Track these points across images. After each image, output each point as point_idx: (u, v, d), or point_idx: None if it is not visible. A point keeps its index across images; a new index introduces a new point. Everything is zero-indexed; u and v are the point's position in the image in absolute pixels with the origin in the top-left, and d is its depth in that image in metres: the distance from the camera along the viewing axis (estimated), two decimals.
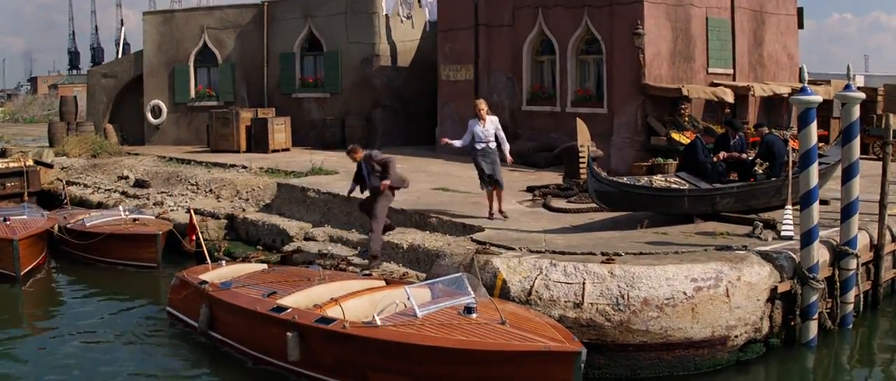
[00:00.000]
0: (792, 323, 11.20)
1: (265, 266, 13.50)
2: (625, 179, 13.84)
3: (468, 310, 9.29)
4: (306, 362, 9.90)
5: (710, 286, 10.48)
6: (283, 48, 28.02)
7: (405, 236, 13.70)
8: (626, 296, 10.25)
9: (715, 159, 14.16)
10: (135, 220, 17.74)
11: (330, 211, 16.58)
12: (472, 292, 9.69)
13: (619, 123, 20.44)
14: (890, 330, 12.70)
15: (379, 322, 9.28)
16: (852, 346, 11.93)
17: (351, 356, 9.48)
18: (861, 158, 12.43)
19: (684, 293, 10.33)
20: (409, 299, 9.57)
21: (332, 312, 10.26)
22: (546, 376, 8.47)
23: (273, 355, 10.40)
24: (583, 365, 8.46)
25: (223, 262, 13.74)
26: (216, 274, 12.74)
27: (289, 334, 9.84)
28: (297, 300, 10.87)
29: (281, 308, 10.48)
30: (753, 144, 16.77)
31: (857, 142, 11.96)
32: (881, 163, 12.82)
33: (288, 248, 15.33)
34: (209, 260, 13.61)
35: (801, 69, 11.94)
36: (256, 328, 10.77)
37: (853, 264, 11.87)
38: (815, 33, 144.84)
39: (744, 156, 14.49)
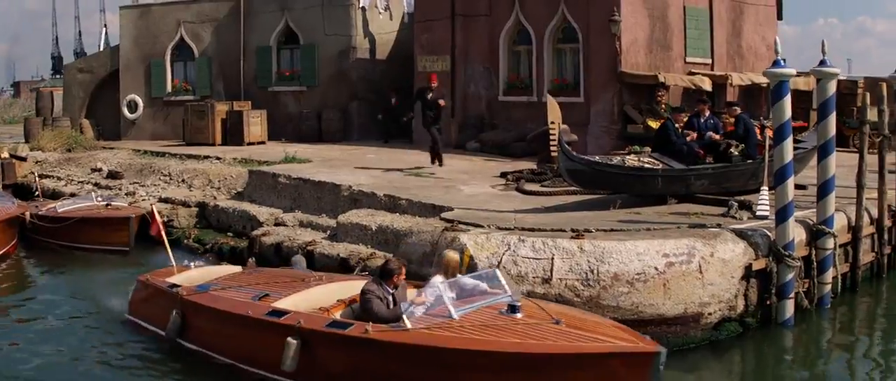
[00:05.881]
0: (768, 302, 10.99)
1: (239, 268, 12.20)
2: (597, 158, 13.58)
3: (512, 309, 8.14)
4: (305, 373, 8.78)
5: (683, 262, 10.28)
6: (260, 42, 27.67)
7: (374, 218, 13.42)
8: (595, 271, 10.03)
9: (688, 139, 13.85)
10: (107, 205, 17.51)
11: (300, 197, 16.35)
12: (508, 290, 8.55)
13: (595, 111, 20.24)
14: (869, 312, 12.50)
15: (409, 325, 8.15)
16: (831, 327, 11.73)
17: (369, 366, 8.37)
18: (840, 151, 12.27)
19: (656, 269, 10.12)
20: (442, 296, 8.32)
21: (343, 315, 9.26)
22: None
23: (260, 365, 9.32)
24: (662, 367, 7.56)
25: (192, 265, 12.27)
26: (186, 277, 11.48)
27: (289, 340, 8.69)
28: (296, 303, 9.67)
29: (280, 312, 9.31)
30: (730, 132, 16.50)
31: (832, 118, 11.77)
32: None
33: (256, 232, 15.05)
34: (173, 261, 12.27)
35: (775, 41, 11.71)
36: (245, 335, 9.60)
37: (830, 243, 11.69)
38: (800, 38, 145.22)
39: (718, 137, 14.14)
